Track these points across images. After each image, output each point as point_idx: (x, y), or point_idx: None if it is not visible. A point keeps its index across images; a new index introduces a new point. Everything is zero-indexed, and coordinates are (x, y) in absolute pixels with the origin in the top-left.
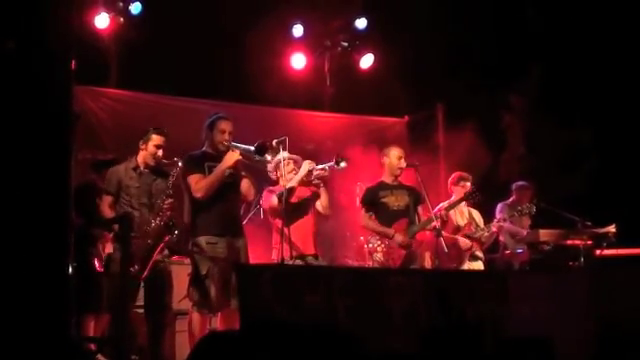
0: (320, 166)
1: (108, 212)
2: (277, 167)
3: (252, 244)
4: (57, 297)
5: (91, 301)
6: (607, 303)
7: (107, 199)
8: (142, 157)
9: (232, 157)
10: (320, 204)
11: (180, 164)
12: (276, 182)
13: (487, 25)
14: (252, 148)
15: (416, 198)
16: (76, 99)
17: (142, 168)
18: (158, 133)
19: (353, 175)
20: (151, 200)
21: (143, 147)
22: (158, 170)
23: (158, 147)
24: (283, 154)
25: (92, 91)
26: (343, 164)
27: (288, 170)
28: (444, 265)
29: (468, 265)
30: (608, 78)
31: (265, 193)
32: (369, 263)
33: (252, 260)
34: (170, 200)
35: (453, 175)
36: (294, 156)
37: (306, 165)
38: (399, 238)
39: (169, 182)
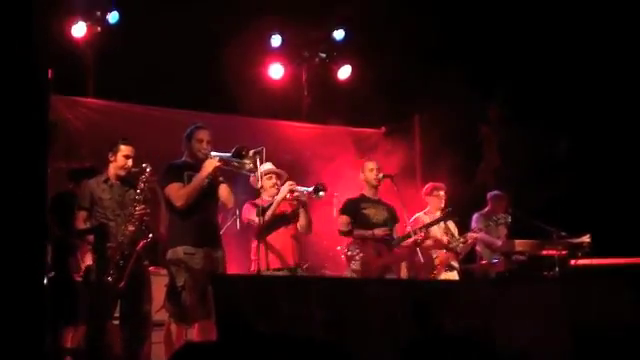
0: (300, 189)
1: (83, 227)
2: (260, 178)
3: (229, 253)
4: (32, 308)
5: (70, 312)
6: (582, 313)
7: (81, 214)
8: (112, 169)
9: (211, 164)
10: (299, 225)
11: (148, 169)
12: (258, 191)
13: (464, 37)
14: (230, 154)
15: (393, 216)
16: (52, 108)
17: (113, 180)
18: (126, 143)
19: (330, 185)
20: (124, 211)
21: (112, 159)
22: (129, 181)
23: (127, 157)
24: (266, 165)
25: (68, 100)
26: (322, 194)
27: (270, 185)
28: (420, 275)
29: (444, 275)
30: (583, 89)
31: (246, 205)
32: (345, 273)
33: (229, 270)
34: (142, 207)
35: (427, 186)
36: (279, 170)
37: (286, 187)
38: (379, 232)
39: (139, 187)
